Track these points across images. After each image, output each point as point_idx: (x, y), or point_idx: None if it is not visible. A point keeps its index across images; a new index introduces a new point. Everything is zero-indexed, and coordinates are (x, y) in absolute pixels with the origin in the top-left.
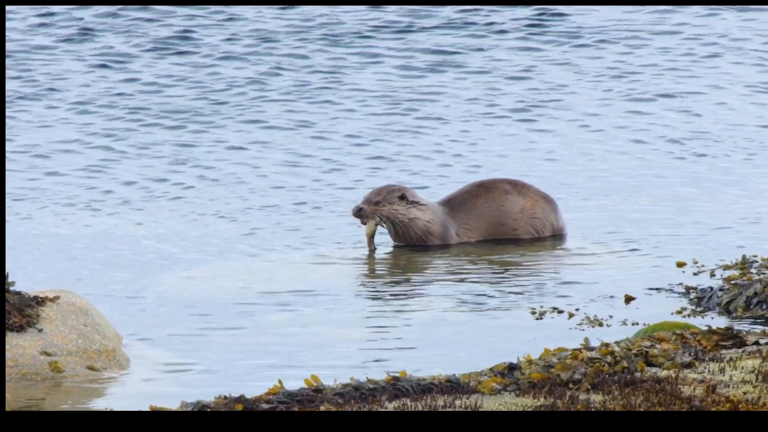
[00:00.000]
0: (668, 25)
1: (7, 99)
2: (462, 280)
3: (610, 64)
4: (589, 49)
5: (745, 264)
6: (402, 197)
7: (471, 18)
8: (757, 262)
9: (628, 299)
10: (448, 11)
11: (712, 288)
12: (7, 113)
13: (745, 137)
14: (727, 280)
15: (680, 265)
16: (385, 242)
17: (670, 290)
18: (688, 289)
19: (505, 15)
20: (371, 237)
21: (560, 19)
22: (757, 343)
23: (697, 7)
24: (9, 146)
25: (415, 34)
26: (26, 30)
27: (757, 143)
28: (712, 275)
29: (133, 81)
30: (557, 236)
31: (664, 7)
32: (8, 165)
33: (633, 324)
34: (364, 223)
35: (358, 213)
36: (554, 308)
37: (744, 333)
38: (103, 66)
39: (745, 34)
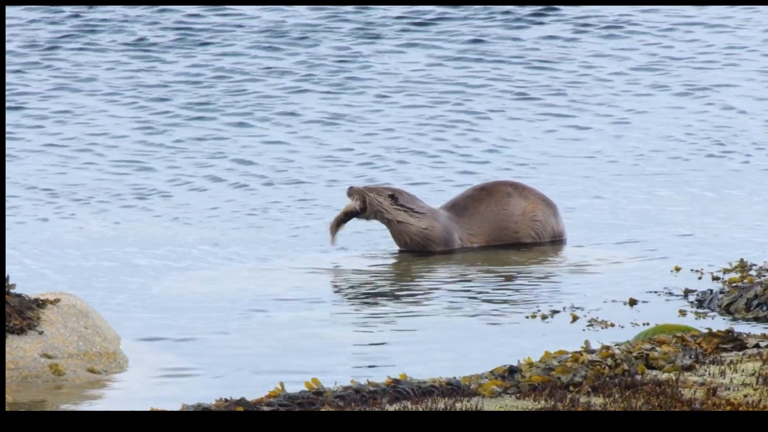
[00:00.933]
0: (708, 18)
1: (35, 93)
2: (463, 284)
3: (644, 57)
4: (624, 41)
5: (744, 267)
6: (392, 197)
7: (502, 8)
8: (756, 265)
9: (632, 302)
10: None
11: (712, 291)
12: (31, 111)
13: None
14: (729, 282)
15: (680, 268)
16: (385, 246)
17: (671, 293)
18: (687, 291)
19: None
20: (340, 221)
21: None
22: (757, 345)
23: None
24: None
25: (445, 24)
26: (54, 23)
27: None
28: (715, 279)
29: (163, 73)
30: (557, 239)
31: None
32: (39, 161)
33: (637, 325)
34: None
35: (348, 189)
36: (554, 311)
37: (744, 335)
38: (137, 58)
39: None
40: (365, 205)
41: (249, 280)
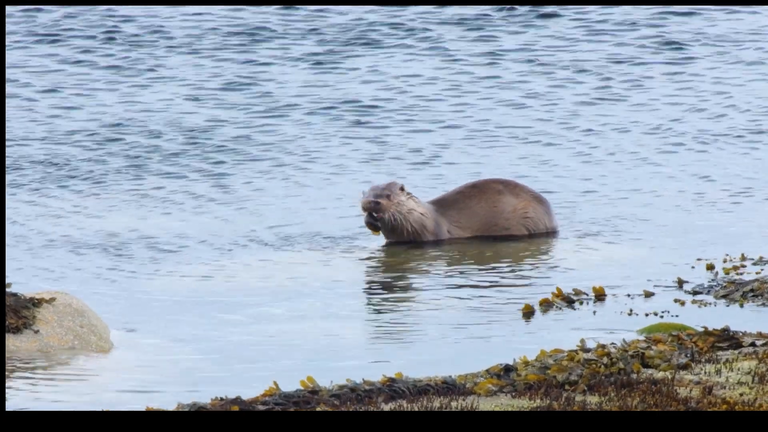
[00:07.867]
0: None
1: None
2: (459, 282)
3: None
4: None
5: (744, 260)
6: (402, 188)
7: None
8: (752, 259)
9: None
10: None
11: (709, 285)
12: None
13: None
14: (727, 271)
15: (678, 263)
16: (374, 240)
17: (666, 286)
18: (681, 281)
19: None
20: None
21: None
22: (753, 344)
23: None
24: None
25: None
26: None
27: None
28: (710, 268)
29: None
30: (551, 233)
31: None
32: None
33: (632, 314)
34: (380, 215)
35: (377, 207)
36: (549, 305)
37: (740, 334)
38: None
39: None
40: (392, 217)
41: (242, 276)
